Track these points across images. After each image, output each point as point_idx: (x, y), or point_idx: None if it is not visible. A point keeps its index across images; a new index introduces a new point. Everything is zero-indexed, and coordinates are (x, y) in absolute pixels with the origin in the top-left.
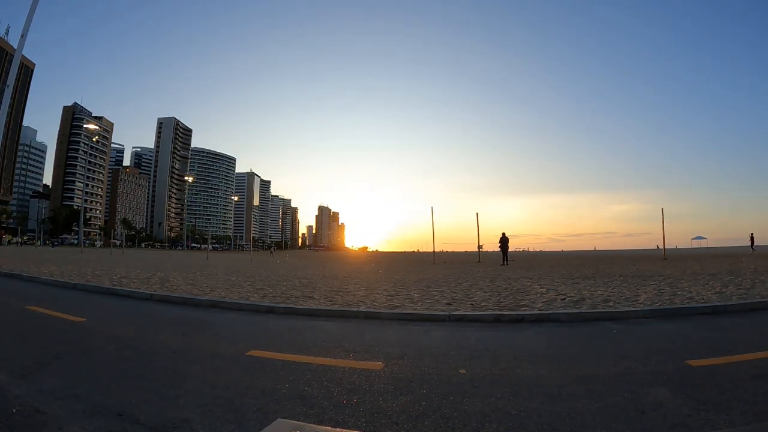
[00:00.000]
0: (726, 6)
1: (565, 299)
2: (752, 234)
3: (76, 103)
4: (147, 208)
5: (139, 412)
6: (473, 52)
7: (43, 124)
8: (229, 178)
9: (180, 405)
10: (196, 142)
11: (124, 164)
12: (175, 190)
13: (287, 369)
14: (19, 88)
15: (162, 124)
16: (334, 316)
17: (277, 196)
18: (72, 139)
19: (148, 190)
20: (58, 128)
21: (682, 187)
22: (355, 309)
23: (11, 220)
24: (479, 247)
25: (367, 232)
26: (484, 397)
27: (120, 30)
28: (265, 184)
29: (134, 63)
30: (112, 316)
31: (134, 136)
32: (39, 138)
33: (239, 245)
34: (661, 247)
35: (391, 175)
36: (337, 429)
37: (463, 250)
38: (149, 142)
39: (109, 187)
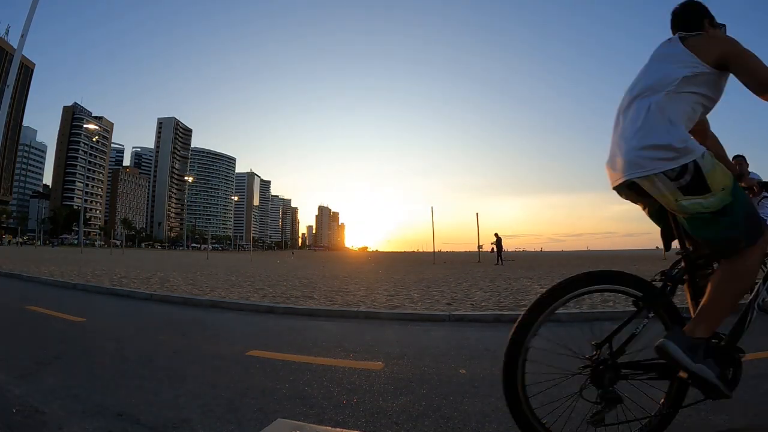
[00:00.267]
0: (726, 6)
1: None
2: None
3: (76, 103)
4: (147, 208)
5: (139, 412)
6: (473, 52)
7: (43, 124)
8: (229, 178)
9: (180, 405)
10: (196, 142)
11: (124, 164)
12: (175, 190)
13: (287, 369)
14: (19, 88)
15: (162, 124)
16: (334, 316)
17: (277, 196)
18: (72, 139)
19: (148, 190)
20: (58, 128)
21: None
22: (355, 309)
23: (11, 220)
24: (479, 247)
25: (367, 232)
26: (484, 397)
27: (120, 30)
28: (265, 184)
29: (134, 63)
30: (112, 316)
31: (134, 136)
32: (39, 138)
33: (239, 245)
34: (660, 247)
35: (391, 175)
36: (337, 429)
37: (463, 250)
38: (149, 142)
39: (109, 187)
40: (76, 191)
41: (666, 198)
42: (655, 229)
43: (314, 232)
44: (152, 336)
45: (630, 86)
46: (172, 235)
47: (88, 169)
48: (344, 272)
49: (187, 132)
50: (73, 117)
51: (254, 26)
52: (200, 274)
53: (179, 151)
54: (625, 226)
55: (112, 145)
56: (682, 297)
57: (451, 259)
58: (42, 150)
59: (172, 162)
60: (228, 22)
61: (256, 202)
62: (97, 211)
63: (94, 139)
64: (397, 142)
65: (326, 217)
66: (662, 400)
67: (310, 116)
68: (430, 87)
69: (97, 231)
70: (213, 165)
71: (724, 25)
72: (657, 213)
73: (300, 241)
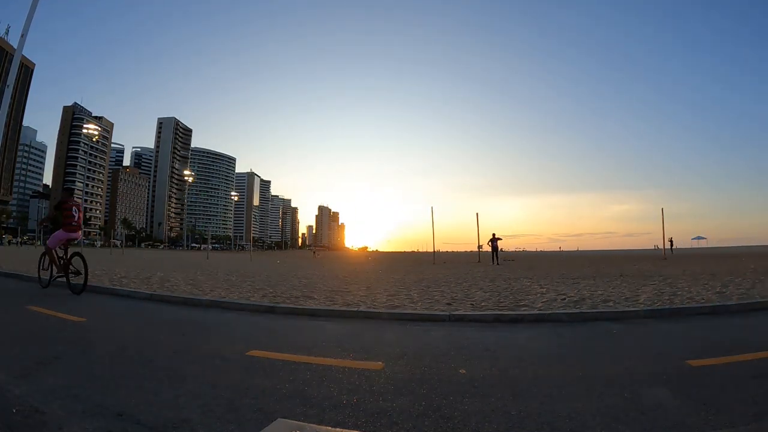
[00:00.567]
0: (726, 6)
1: (565, 299)
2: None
3: (76, 103)
4: (147, 208)
5: (139, 412)
6: (473, 52)
7: (43, 124)
8: (229, 178)
9: (180, 405)
10: (196, 142)
11: (124, 164)
12: (175, 190)
13: (287, 369)
14: (19, 88)
15: (162, 124)
16: (335, 316)
17: (277, 196)
18: (72, 139)
19: (148, 190)
20: (58, 128)
21: (682, 187)
22: (356, 309)
23: (11, 220)
24: (479, 247)
25: (367, 232)
26: (484, 397)
27: (120, 30)
28: (265, 184)
29: (134, 63)
30: (112, 316)
31: (134, 136)
32: (39, 138)
33: (239, 245)
34: (660, 247)
35: (391, 175)
36: (337, 429)
37: (463, 250)
38: (149, 142)
39: (109, 187)
40: (76, 191)
41: None
42: (655, 229)
43: (314, 232)
44: (152, 336)
45: None
46: (172, 235)
47: (88, 169)
48: (344, 272)
49: (187, 132)
50: (73, 117)
51: (254, 26)
52: (200, 274)
53: (179, 151)
54: (625, 226)
55: (112, 145)
56: None
57: (451, 259)
58: (42, 150)
59: (172, 162)
60: (228, 22)
61: (256, 202)
62: (97, 211)
63: (94, 139)
64: (397, 142)
65: (326, 217)
66: None
67: (310, 116)
68: (430, 87)
69: (97, 231)
70: (213, 165)
71: None
72: None
73: (300, 241)
